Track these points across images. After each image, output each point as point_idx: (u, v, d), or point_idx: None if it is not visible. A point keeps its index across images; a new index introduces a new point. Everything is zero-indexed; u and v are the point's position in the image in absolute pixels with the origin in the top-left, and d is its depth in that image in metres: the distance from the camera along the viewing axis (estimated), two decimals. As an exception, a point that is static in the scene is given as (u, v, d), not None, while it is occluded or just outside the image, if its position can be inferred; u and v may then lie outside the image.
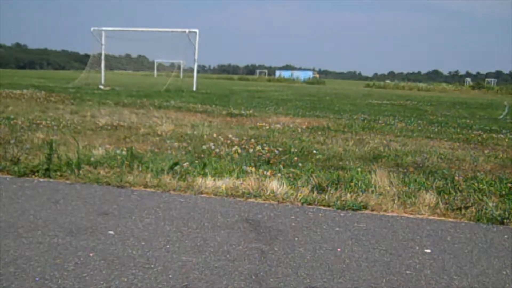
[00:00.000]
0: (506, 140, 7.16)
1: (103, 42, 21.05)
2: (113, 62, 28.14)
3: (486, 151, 5.89)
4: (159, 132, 6.24)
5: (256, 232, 2.71)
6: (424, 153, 5.45)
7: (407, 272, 2.25)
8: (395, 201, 3.31)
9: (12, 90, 12.84)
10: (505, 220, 3.05)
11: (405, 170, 4.39)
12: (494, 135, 7.64)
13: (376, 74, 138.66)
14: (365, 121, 9.09)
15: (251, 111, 10.01)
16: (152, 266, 2.19)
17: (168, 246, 2.43)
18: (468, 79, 64.70)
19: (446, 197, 3.44)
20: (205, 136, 6.01)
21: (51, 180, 3.68)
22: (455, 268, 2.32)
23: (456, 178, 4.03)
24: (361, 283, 2.10)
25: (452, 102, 19.96)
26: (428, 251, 2.53)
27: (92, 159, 4.14)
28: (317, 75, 73.89)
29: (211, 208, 3.13)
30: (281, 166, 4.26)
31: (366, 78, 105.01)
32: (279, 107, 11.94)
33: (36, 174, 3.76)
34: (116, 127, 6.61)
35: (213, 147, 5.11)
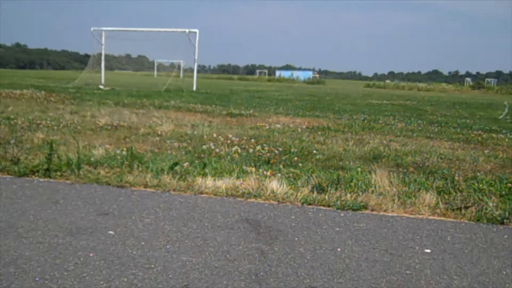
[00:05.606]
0: (506, 140, 7.16)
1: (103, 42, 21.07)
2: (113, 62, 28.10)
3: (486, 151, 5.89)
4: (159, 132, 6.24)
5: (256, 232, 2.71)
6: (424, 153, 5.44)
7: (407, 272, 2.25)
8: (395, 201, 3.31)
9: (12, 90, 12.84)
10: (505, 220, 3.05)
11: (405, 170, 4.39)
12: (494, 135, 7.64)
13: (376, 74, 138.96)
14: (365, 121, 9.09)
15: (251, 111, 10.01)
16: (152, 266, 2.19)
17: (168, 246, 2.43)
18: (468, 79, 64.75)
19: (446, 197, 3.44)
20: (205, 136, 6.01)
21: (51, 180, 3.68)
22: (455, 268, 2.32)
23: (456, 178, 4.03)
24: (361, 283, 2.10)
25: (452, 102, 19.97)
26: (428, 251, 2.53)
27: (92, 159, 4.14)
28: (317, 75, 73.95)
29: (211, 208, 3.13)
30: (281, 166, 4.26)
31: (366, 78, 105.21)
32: (279, 107, 11.95)
33: (36, 174, 3.76)
34: (116, 127, 6.61)
35: (213, 147, 5.11)
